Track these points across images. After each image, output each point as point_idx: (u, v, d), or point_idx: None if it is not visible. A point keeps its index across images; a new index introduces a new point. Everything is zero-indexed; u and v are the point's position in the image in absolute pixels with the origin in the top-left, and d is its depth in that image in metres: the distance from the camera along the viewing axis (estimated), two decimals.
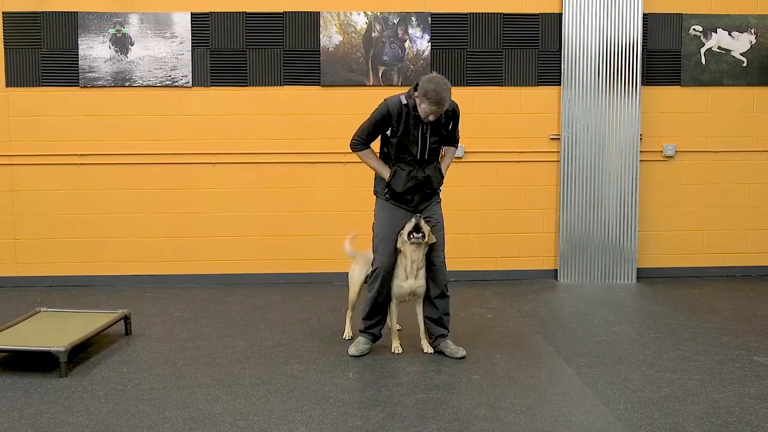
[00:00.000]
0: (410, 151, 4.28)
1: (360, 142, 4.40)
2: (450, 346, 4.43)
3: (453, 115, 4.35)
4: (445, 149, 4.50)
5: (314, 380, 4.04)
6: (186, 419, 3.52)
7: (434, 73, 4.23)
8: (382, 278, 4.39)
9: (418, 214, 4.31)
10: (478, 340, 4.74)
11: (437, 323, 4.47)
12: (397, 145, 4.27)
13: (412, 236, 4.28)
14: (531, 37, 6.50)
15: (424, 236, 4.29)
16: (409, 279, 4.37)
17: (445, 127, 4.35)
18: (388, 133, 4.29)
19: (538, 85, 6.54)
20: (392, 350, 4.50)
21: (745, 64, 6.62)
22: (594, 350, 4.57)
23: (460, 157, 6.50)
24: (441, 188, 4.51)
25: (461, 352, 4.40)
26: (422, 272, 4.39)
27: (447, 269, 4.47)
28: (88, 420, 3.51)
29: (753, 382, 3.99)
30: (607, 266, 6.59)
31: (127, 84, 6.34)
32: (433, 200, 4.46)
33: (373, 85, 6.44)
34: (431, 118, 4.16)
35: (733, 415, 3.55)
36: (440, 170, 4.43)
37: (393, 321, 4.55)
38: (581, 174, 6.52)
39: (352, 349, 4.48)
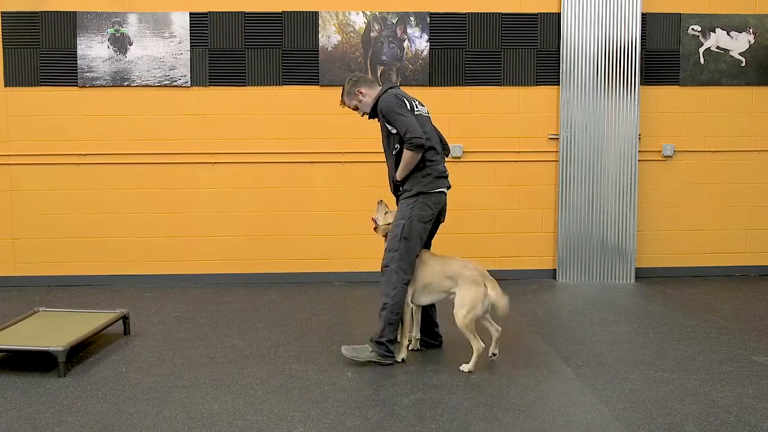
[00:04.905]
0: None
1: None
2: (348, 347, 4.34)
3: (379, 111, 4.27)
4: None
5: (313, 380, 4.04)
6: (184, 419, 3.52)
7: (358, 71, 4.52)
8: None
9: (381, 199, 4.61)
10: None
11: None
12: None
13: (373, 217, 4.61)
14: (530, 37, 6.50)
15: (375, 225, 4.54)
16: None
17: (383, 125, 4.30)
18: None
19: (536, 85, 6.54)
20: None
21: (743, 64, 6.63)
22: (592, 350, 4.57)
23: (459, 157, 6.50)
24: (405, 190, 4.30)
25: (345, 349, 4.32)
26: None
27: (392, 277, 4.21)
28: (86, 420, 3.51)
29: (752, 382, 4.00)
30: (605, 266, 6.59)
31: (125, 84, 6.34)
32: (400, 199, 4.38)
33: None
34: (360, 114, 4.47)
35: (732, 414, 3.56)
36: (393, 172, 4.34)
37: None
38: (580, 174, 6.52)
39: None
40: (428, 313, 4.58)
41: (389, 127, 4.22)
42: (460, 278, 4.19)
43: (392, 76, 6.41)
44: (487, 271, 4.27)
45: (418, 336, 4.56)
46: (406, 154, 4.17)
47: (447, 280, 4.25)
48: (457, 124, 6.47)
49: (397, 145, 4.24)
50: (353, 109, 4.44)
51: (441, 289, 4.29)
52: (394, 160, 4.29)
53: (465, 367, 4.18)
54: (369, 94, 4.34)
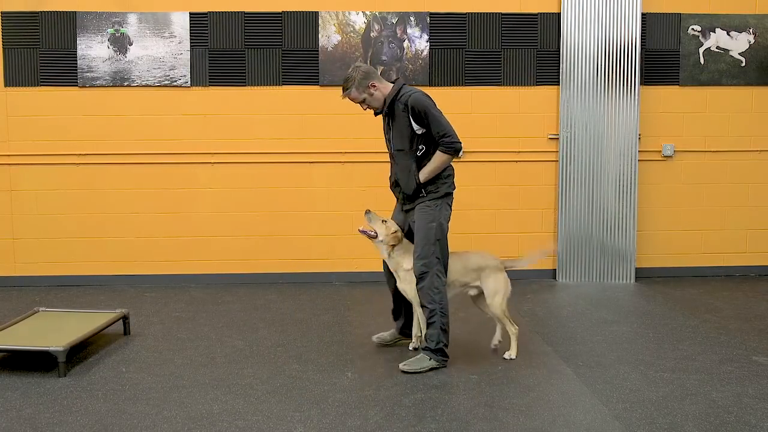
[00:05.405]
0: (387, 146, 4.36)
1: None
2: (403, 363, 4.16)
3: (408, 109, 4.09)
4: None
5: (313, 380, 4.04)
6: (184, 419, 3.52)
7: (356, 63, 4.39)
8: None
9: (367, 209, 4.37)
10: (476, 340, 4.74)
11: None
12: None
13: (359, 229, 4.37)
14: (529, 37, 6.50)
15: (375, 234, 4.31)
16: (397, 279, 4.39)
17: (407, 124, 4.12)
18: None
19: (536, 85, 6.54)
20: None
21: (743, 64, 6.63)
22: (592, 350, 4.57)
23: (459, 157, 6.49)
24: (429, 192, 4.19)
25: (403, 366, 4.14)
26: (402, 275, 4.28)
27: (435, 282, 4.13)
28: (86, 420, 3.51)
29: (752, 382, 4.00)
30: (605, 266, 6.59)
31: (125, 84, 6.34)
32: (417, 202, 4.22)
33: None
34: (363, 108, 4.26)
35: (732, 414, 3.56)
36: (415, 173, 4.16)
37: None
38: (580, 174, 6.52)
39: (374, 337, 4.63)
40: (409, 308, 4.57)
41: (415, 126, 4.10)
42: (486, 269, 4.31)
43: (392, 76, 6.41)
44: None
45: (419, 333, 4.55)
46: (442, 157, 4.13)
47: (469, 273, 4.33)
48: (457, 124, 6.38)
49: (422, 146, 4.15)
50: (358, 102, 4.20)
51: (461, 284, 4.36)
52: (415, 160, 4.17)
53: (509, 354, 4.37)
54: (381, 89, 4.16)
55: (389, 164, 4.42)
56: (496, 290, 4.29)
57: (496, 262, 4.37)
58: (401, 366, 4.16)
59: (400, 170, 4.24)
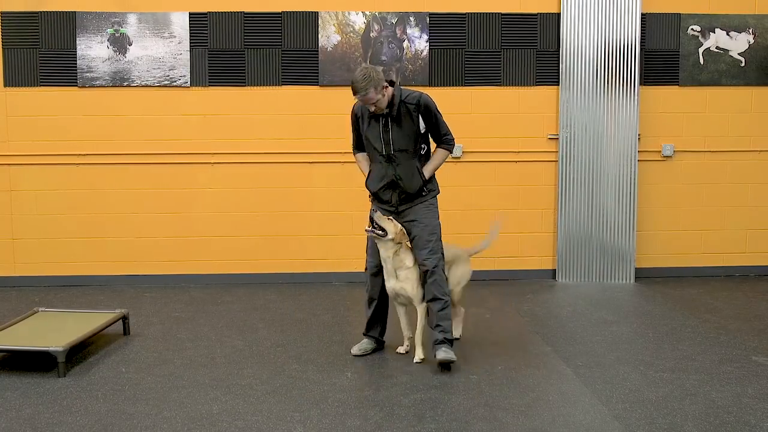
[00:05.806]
0: (376, 149, 4.26)
1: (353, 147, 4.52)
2: (440, 352, 4.15)
3: (419, 108, 4.14)
4: (435, 149, 4.35)
5: (312, 380, 4.04)
6: (184, 419, 3.52)
7: (364, 63, 4.34)
8: (367, 277, 4.54)
9: (373, 208, 4.24)
10: (476, 340, 4.74)
11: (433, 328, 4.29)
12: (366, 142, 4.33)
13: (366, 229, 4.24)
14: (529, 37, 6.50)
15: (383, 232, 4.18)
16: (390, 279, 4.32)
17: (414, 123, 4.15)
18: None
19: (536, 85, 6.54)
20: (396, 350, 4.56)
21: (743, 64, 6.63)
22: (592, 350, 4.57)
23: (458, 157, 6.50)
24: (430, 190, 4.29)
25: (441, 354, 4.12)
26: (403, 274, 4.26)
27: (443, 275, 4.28)
28: (86, 420, 3.51)
29: (751, 382, 4.00)
30: (605, 266, 6.59)
31: (125, 84, 6.34)
32: (417, 201, 4.27)
33: None
34: (371, 109, 4.15)
35: (732, 414, 3.56)
36: (419, 171, 4.22)
37: (401, 324, 4.55)
38: (579, 174, 6.52)
39: (355, 348, 4.52)
40: (386, 314, 4.57)
41: (422, 126, 4.21)
42: (457, 259, 4.59)
43: (392, 76, 6.41)
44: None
45: (411, 335, 4.53)
46: (444, 154, 4.34)
47: (446, 264, 4.50)
48: (457, 124, 6.44)
49: (424, 145, 4.30)
50: (372, 103, 4.08)
51: None
52: (419, 159, 4.26)
53: (456, 332, 4.68)
54: (388, 90, 4.17)
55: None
56: (461, 279, 4.64)
57: (465, 252, 4.70)
58: (442, 355, 4.10)
59: (403, 170, 4.23)
